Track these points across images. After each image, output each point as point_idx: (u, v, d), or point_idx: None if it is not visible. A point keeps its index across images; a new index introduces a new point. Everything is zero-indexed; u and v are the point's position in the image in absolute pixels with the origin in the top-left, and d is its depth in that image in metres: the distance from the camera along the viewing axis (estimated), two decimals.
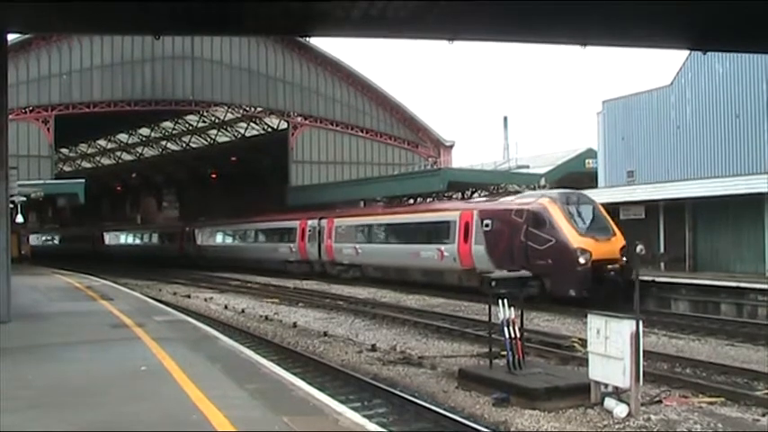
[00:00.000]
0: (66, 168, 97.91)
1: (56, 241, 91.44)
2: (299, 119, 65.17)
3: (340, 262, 41.16)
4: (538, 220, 27.33)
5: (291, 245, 45.91)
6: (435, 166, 65.19)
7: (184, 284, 41.73)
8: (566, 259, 26.01)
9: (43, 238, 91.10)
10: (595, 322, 12.09)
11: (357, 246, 39.37)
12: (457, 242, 31.18)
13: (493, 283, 13.72)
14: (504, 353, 13.50)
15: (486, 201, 32.05)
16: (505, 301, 13.40)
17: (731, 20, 18.35)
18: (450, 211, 33.25)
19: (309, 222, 44.37)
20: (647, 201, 33.61)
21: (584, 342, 14.73)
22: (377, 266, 37.94)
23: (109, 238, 78.69)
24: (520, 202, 28.96)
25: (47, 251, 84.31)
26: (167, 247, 65.08)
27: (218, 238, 58.21)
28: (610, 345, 11.66)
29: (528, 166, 58.92)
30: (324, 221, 42.99)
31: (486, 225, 29.70)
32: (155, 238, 69.28)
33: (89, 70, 57.12)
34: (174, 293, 35.73)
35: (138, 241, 72.86)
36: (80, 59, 56.88)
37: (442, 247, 32.06)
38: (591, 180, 44.99)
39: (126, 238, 75.83)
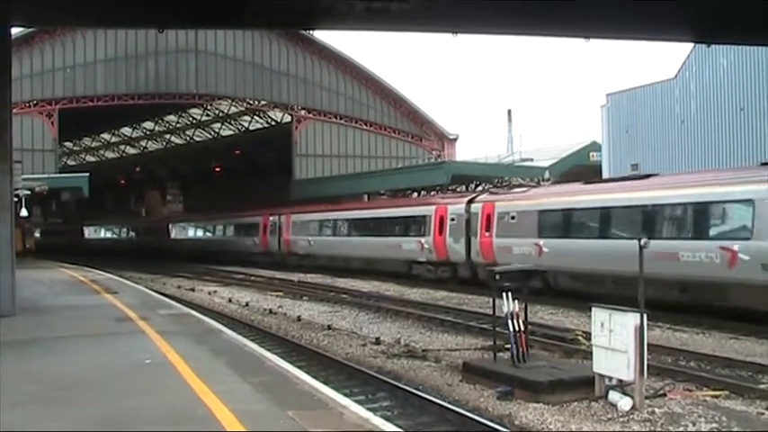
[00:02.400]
0: (71, 162, 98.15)
1: (118, 233, 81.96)
2: (303, 112, 65.25)
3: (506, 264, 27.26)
4: None
5: (422, 240, 34.14)
6: (439, 160, 65.24)
7: (188, 278, 41.75)
8: None
9: (104, 231, 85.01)
10: (600, 315, 12.07)
11: (540, 241, 26.47)
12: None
13: (497, 277, 13.69)
14: (508, 346, 13.48)
15: None
16: (509, 294, 13.39)
17: (736, 12, 18.30)
18: (742, 185, 19.98)
19: (451, 208, 32.54)
20: None
21: (588, 335, 14.72)
22: (578, 274, 24.84)
23: (175, 231, 67.89)
24: None
25: (105, 246, 78.72)
26: (245, 242, 53.41)
27: (313, 230, 45.31)
28: (614, 338, 11.65)
29: (532, 160, 59.09)
30: (477, 206, 30.59)
31: None
32: (230, 231, 57.30)
33: (93, 64, 57.27)
34: (179, 287, 35.76)
35: (208, 234, 61.57)
36: (84, 53, 57.03)
37: (735, 246, 19.38)
38: (595, 173, 45.03)
39: (195, 231, 64.42)
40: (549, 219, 26.72)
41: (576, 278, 24.94)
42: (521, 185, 39.65)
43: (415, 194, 52.63)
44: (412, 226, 35.47)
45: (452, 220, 32.13)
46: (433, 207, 34.14)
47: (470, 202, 31.52)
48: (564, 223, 26.12)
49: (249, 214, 54.03)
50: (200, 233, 63.25)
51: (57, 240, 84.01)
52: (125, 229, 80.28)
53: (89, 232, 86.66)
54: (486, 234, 29.52)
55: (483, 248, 29.71)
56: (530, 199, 28.45)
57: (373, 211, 40.76)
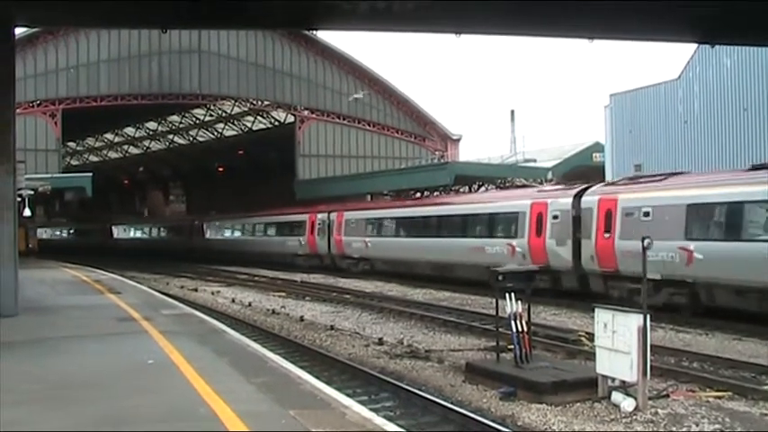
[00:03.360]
0: (74, 162, 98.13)
1: (148, 233, 74.91)
2: (306, 112, 65.21)
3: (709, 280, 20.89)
4: None
5: (513, 242, 28.07)
6: (442, 160, 65.19)
7: (191, 278, 41.76)
8: None
9: (133, 230, 78.75)
10: (602, 316, 12.06)
11: (690, 245, 20.80)
12: None
13: (500, 277, 13.67)
14: (511, 347, 13.48)
15: None
16: (512, 294, 13.38)
17: (740, 13, 18.28)
18: None
19: (554, 204, 26.56)
20: None
21: (591, 336, 14.69)
22: (749, 288, 19.32)
23: (210, 231, 61.41)
24: None
25: (134, 247, 73.15)
26: (289, 243, 46.90)
27: (371, 230, 38.75)
28: (617, 339, 11.63)
29: (535, 160, 59.10)
30: (590, 200, 24.93)
31: None
32: (271, 231, 50.48)
33: (96, 64, 57.29)
34: (182, 287, 35.76)
35: (246, 234, 54.63)
36: (87, 53, 57.06)
37: None
38: (598, 174, 45.00)
39: (233, 231, 57.85)
40: (704, 215, 20.90)
41: (743, 294, 19.30)
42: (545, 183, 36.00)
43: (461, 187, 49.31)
44: (499, 225, 29.36)
45: (555, 217, 26.36)
46: (528, 202, 27.94)
47: (580, 195, 25.59)
48: (731, 221, 20.14)
49: (293, 212, 48.62)
50: (237, 233, 56.87)
51: (85, 240, 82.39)
52: (155, 229, 73.99)
53: (118, 232, 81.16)
54: (605, 236, 23.76)
55: (601, 253, 23.91)
56: (671, 189, 22.30)
57: (448, 207, 33.93)
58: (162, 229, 72.84)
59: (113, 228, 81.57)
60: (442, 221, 33.44)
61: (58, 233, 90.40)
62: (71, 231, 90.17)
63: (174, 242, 66.85)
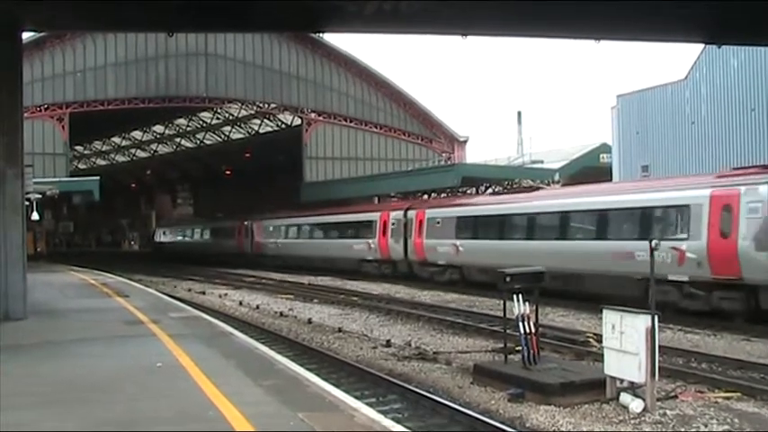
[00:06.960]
0: (81, 166, 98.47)
1: (309, 234, 46.86)
2: (313, 115, 65.22)
3: None
4: None
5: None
6: (449, 162, 65.16)
7: (199, 281, 41.75)
8: None
9: (285, 230, 50.30)
10: (610, 317, 12.04)
11: None
12: None
13: (507, 279, 13.65)
14: (519, 348, 13.46)
15: None
16: (520, 296, 13.37)
17: (747, 13, 18.25)
18: None
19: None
20: None
21: (599, 337, 14.68)
22: None
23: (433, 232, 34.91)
24: None
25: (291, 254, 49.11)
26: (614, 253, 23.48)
27: None
28: (625, 340, 11.61)
29: (542, 162, 58.98)
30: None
31: None
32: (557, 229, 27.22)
33: (103, 68, 57.42)
34: (189, 290, 35.77)
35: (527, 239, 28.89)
36: (94, 57, 57.19)
37: None
38: (605, 175, 44.94)
39: (486, 231, 31.34)
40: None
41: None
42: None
43: None
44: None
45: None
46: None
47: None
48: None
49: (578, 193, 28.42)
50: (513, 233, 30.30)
51: (219, 243, 62.06)
52: (322, 230, 46.64)
53: (262, 233, 53.92)
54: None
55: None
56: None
57: None
58: (332, 227, 45.52)
59: (255, 226, 55.36)
60: None
61: (180, 237, 74.89)
62: (193, 233, 71.55)
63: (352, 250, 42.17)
